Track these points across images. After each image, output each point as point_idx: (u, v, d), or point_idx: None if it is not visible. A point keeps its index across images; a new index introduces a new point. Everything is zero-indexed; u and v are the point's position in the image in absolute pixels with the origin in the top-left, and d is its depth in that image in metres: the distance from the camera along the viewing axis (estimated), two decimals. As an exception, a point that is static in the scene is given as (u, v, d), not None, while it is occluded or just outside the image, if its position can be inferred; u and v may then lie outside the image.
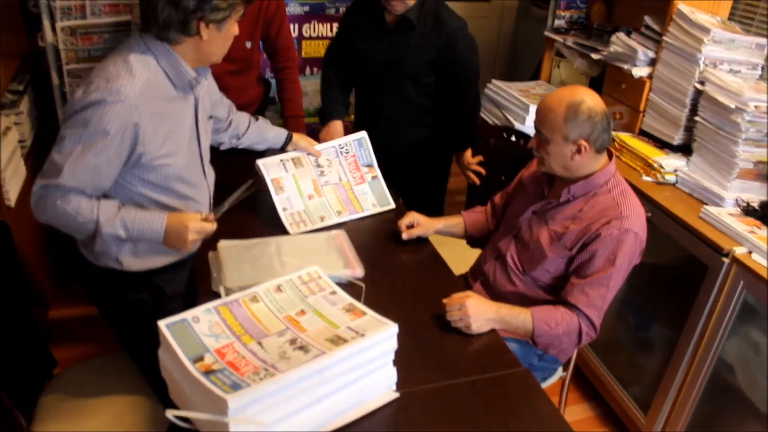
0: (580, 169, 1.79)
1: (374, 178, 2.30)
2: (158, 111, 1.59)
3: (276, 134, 2.20)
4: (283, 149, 2.22)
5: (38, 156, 2.89)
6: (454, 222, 2.19)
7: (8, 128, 2.48)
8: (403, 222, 2.04)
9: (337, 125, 2.54)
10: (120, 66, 1.54)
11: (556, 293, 1.83)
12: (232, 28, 1.66)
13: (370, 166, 2.32)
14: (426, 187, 2.75)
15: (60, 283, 3.12)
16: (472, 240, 2.23)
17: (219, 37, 1.63)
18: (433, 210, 2.69)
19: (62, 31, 2.50)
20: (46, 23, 2.53)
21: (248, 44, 2.43)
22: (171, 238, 1.64)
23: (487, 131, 2.90)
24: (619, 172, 1.84)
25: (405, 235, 2.02)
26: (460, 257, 2.23)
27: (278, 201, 2.11)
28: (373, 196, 2.26)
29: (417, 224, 2.05)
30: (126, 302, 1.79)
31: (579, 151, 1.74)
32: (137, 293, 1.81)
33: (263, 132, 2.18)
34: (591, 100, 1.73)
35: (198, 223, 1.64)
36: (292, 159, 2.23)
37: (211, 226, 1.67)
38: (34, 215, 1.60)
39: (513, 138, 2.75)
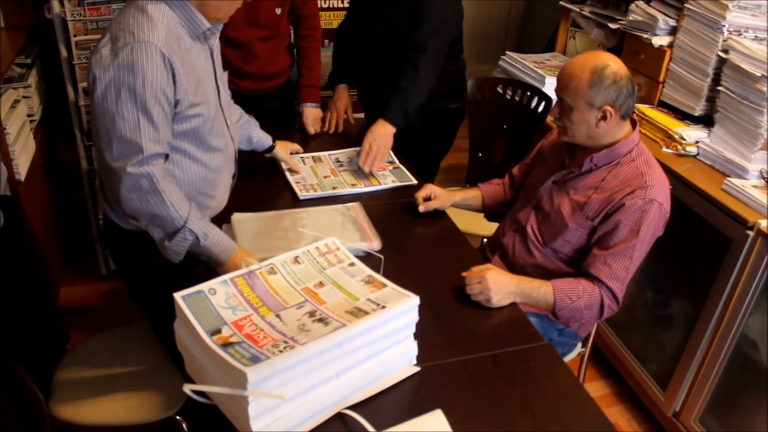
0: (604, 137, 1.74)
1: (396, 168, 2.29)
2: (185, 57, 1.55)
3: (260, 138, 2.11)
4: (263, 154, 2.17)
5: (47, 129, 2.86)
6: (472, 194, 2.15)
7: (17, 101, 2.45)
8: (420, 194, 2.00)
9: (342, 90, 2.55)
10: (139, 17, 1.48)
11: (577, 265, 1.79)
12: None
13: (391, 162, 2.32)
14: (422, 153, 2.65)
15: (69, 259, 3.10)
16: (490, 213, 2.18)
17: None
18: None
19: (69, 2, 2.46)
20: (53, -6, 2.48)
21: (278, 11, 2.39)
22: (231, 265, 1.59)
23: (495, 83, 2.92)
24: (642, 142, 1.79)
25: (422, 208, 1.98)
26: (476, 229, 2.21)
27: (291, 178, 2.15)
28: (393, 176, 2.24)
29: (434, 197, 2.01)
30: (154, 266, 1.75)
31: (604, 117, 1.69)
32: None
33: (250, 131, 2.07)
34: (615, 64, 1.68)
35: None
36: (312, 156, 2.29)
37: None
38: (124, 208, 1.54)
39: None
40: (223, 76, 1.80)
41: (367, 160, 2.21)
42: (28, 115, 2.57)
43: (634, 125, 1.78)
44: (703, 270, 2.17)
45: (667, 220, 1.75)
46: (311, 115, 2.52)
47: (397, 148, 2.31)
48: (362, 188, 2.13)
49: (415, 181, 2.21)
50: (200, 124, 1.62)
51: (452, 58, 2.45)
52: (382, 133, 2.24)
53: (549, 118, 1.86)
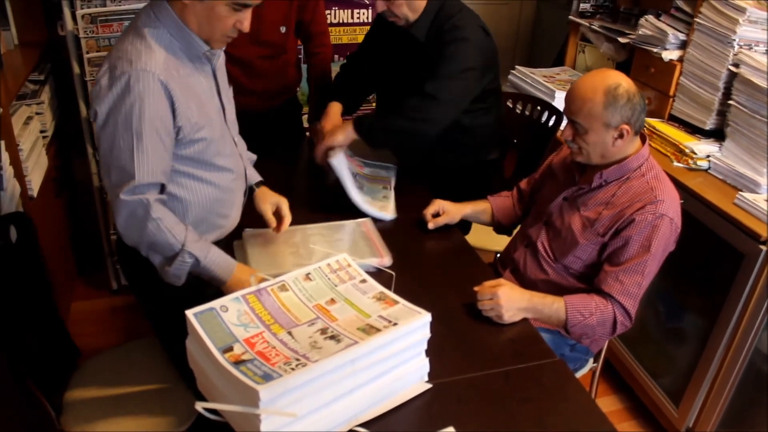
0: (618, 154, 1.74)
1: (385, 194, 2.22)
2: (184, 83, 1.54)
3: (250, 175, 1.91)
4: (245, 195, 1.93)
5: (59, 145, 2.88)
6: (482, 208, 2.13)
7: (30, 118, 2.47)
8: (429, 211, 2.00)
9: (335, 107, 2.30)
10: (137, 43, 1.48)
11: (588, 281, 1.78)
12: (220, 9, 1.48)
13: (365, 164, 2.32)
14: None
15: (81, 273, 3.12)
16: (499, 226, 2.18)
17: (202, 10, 1.49)
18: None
19: (82, 19, 2.48)
20: (67, 11, 2.51)
21: (283, 29, 2.37)
22: (233, 283, 1.58)
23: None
24: (652, 156, 1.79)
25: (431, 225, 1.98)
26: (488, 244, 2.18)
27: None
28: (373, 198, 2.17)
29: (443, 212, 2.01)
30: (165, 284, 1.75)
31: (621, 136, 1.69)
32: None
33: (252, 172, 1.94)
34: (625, 82, 1.68)
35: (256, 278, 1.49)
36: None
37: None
38: (123, 239, 1.56)
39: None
40: (229, 92, 1.79)
41: (319, 148, 2.08)
42: (41, 131, 2.59)
43: (643, 140, 1.78)
44: (715, 284, 2.15)
45: (678, 235, 1.74)
46: (263, 202, 2.44)
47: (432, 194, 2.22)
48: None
49: (389, 217, 2.09)
50: (205, 147, 1.62)
51: (487, 110, 2.29)
52: (340, 129, 2.08)
53: (560, 134, 1.84)
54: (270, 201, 1.85)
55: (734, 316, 2.07)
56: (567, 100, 1.75)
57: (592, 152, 1.74)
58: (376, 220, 2.01)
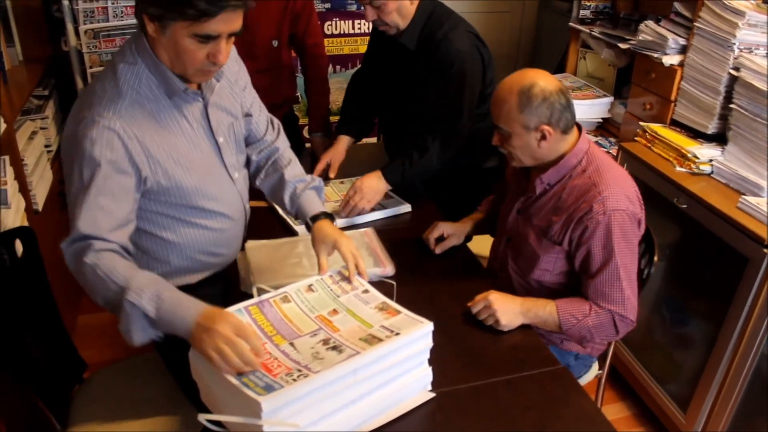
0: (551, 154, 1.68)
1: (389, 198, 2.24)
2: (155, 126, 1.46)
3: (306, 205, 1.71)
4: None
5: (64, 160, 2.90)
6: (480, 219, 2.08)
7: (34, 133, 2.50)
8: (432, 235, 1.96)
9: (342, 141, 2.37)
10: (107, 83, 1.42)
11: (573, 287, 1.74)
12: (184, 42, 1.36)
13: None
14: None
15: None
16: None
17: (168, 44, 1.38)
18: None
19: (85, 34, 2.51)
20: (70, 27, 2.55)
21: (275, 43, 2.40)
22: (197, 334, 1.22)
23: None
24: (593, 146, 1.72)
25: (438, 250, 1.95)
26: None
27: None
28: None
29: (447, 236, 1.96)
30: None
31: (544, 137, 1.63)
32: None
33: (307, 202, 1.71)
34: (543, 80, 1.60)
35: (233, 321, 1.22)
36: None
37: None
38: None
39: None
40: (230, 127, 1.66)
41: (346, 208, 2.11)
42: (46, 146, 2.62)
43: (580, 131, 1.71)
44: (720, 289, 2.15)
45: (640, 217, 1.68)
46: (320, 145, 2.51)
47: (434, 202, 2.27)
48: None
49: (407, 206, 2.16)
50: (183, 194, 1.53)
51: (484, 116, 2.25)
52: (373, 186, 2.14)
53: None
54: (325, 242, 1.56)
55: (740, 321, 2.06)
56: (491, 104, 1.69)
57: (521, 156, 1.69)
58: (378, 230, 2.02)
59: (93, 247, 1.33)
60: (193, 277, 1.69)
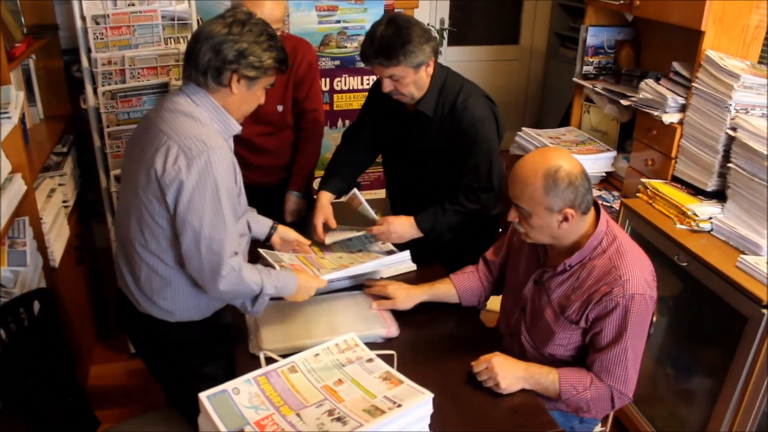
0: (569, 235, 1.70)
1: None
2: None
3: (260, 225, 2.08)
4: (267, 240, 2.11)
5: (80, 214, 2.98)
6: (443, 290, 2.02)
7: (53, 190, 2.58)
8: (374, 291, 1.99)
9: (323, 197, 2.35)
10: (199, 126, 1.64)
11: (583, 358, 1.77)
12: (260, 92, 1.75)
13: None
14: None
15: (101, 336, 3.18)
16: (472, 305, 2.06)
17: (247, 95, 1.71)
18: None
19: (103, 95, 2.60)
20: (89, 88, 2.64)
21: (280, 108, 2.48)
22: (300, 293, 1.81)
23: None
24: (612, 223, 1.75)
25: (375, 306, 1.94)
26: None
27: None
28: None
29: (391, 296, 1.94)
30: (172, 351, 1.83)
31: (566, 219, 1.64)
32: (183, 343, 1.85)
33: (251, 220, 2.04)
34: (567, 164, 1.62)
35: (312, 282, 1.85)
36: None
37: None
38: (221, 295, 1.71)
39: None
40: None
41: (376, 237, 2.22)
42: (63, 202, 2.69)
43: (597, 209, 1.73)
44: (722, 345, 2.17)
45: (655, 301, 1.71)
46: (292, 204, 2.57)
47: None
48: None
49: (412, 265, 2.19)
50: (241, 208, 1.83)
51: None
52: (405, 229, 2.21)
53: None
54: (288, 239, 2.10)
55: (741, 378, 2.08)
56: (510, 182, 1.69)
57: (539, 235, 1.70)
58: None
59: (237, 259, 1.70)
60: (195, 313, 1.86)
